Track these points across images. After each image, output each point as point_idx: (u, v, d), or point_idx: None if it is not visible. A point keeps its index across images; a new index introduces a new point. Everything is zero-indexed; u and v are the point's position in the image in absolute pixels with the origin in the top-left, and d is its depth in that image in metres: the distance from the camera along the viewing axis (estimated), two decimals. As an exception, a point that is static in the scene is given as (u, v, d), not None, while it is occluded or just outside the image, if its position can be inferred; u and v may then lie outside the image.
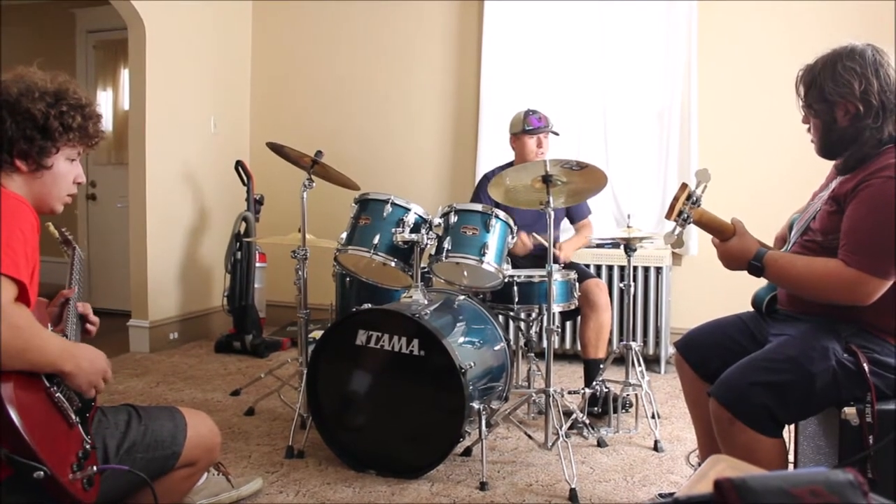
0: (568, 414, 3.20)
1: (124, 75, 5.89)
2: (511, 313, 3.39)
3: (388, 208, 3.05)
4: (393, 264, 3.04)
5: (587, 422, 3.23)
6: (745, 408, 1.89)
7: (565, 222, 4.15)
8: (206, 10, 5.13)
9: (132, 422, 1.84)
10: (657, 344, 4.48)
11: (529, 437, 3.09)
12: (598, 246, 4.50)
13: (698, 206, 2.07)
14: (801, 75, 2.05)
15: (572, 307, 3.39)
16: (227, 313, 4.85)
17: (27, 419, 1.48)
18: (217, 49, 5.28)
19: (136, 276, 4.75)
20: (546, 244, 2.94)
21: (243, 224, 4.83)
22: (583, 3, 4.75)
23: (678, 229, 2.09)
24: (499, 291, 3.25)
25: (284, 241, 3.67)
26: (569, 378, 4.26)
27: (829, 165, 2.18)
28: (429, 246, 3.03)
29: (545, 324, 2.98)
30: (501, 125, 4.17)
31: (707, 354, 2.28)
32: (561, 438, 2.80)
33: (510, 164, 3.94)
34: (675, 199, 2.06)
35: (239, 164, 4.99)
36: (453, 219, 3.02)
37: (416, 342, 2.73)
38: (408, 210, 3.07)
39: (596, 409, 3.44)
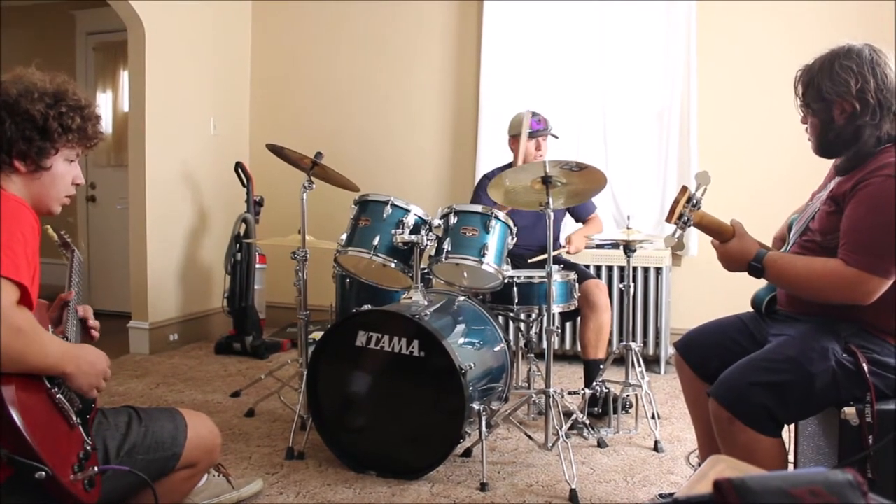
0: (568, 414, 3.20)
1: (124, 77, 5.89)
2: (511, 314, 3.39)
3: (388, 209, 3.05)
4: (393, 265, 3.04)
5: (587, 422, 3.23)
6: (745, 408, 1.90)
7: (568, 221, 4.15)
8: (206, 12, 5.13)
9: (133, 423, 1.84)
10: (657, 344, 4.48)
11: (529, 437, 3.09)
12: (598, 247, 4.50)
13: (698, 208, 2.08)
14: (799, 75, 2.06)
15: (572, 308, 3.39)
16: (227, 315, 4.86)
17: (29, 420, 1.48)
18: (216, 50, 5.28)
19: (135, 277, 4.75)
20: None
21: (243, 225, 4.83)
22: (582, 3, 4.76)
23: (679, 232, 2.09)
24: (499, 292, 3.25)
25: (284, 242, 3.67)
26: (569, 379, 4.26)
27: (827, 165, 2.18)
28: (429, 247, 3.03)
29: (545, 324, 2.98)
30: (501, 126, 4.17)
31: (707, 355, 2.28)
32: (561, 439, 2.81)
33: (509, 165, 3.94)
34: (676, 202, 2.07)
35: (239, 166, 5.00)
36: (453, 220, 3.02)
37: (416, 343, 2.73)
38: (408, 211, 3.07)
39: (596, 409, 3.44)
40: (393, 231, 3.02)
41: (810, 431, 2.18)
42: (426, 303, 2.95)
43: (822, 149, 2.06)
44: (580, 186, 3.00)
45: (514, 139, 3.83)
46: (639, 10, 4.66)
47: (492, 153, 4.78)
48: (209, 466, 2.16)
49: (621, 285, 3.59)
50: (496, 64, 4.93)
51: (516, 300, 3.25)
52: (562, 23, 4.80)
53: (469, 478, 2.80)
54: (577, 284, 3.40)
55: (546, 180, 2.84)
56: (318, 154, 3.30)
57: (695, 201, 2.07)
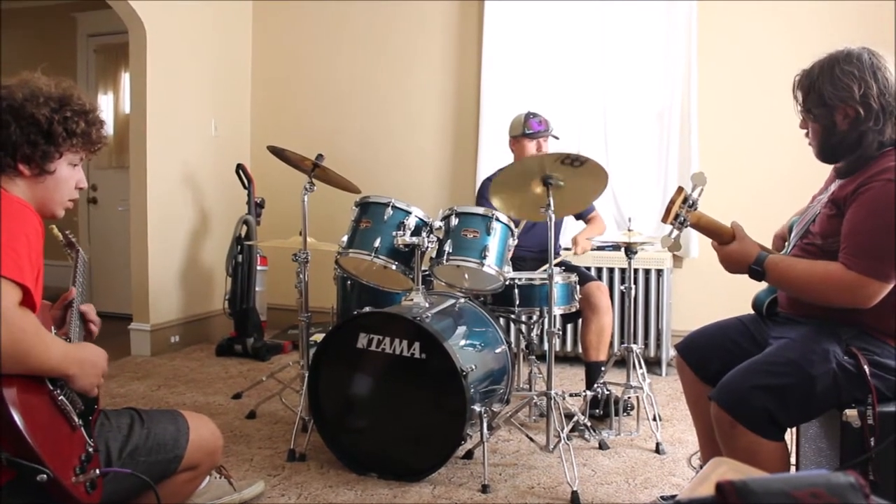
0: (569, 416, 3.20)
1: (125, 79, 5.90)
2: (512, 316, 3.39)
3: (389, 211, 3.05)
4: (394, 267, 3.04)
5: (588, 424, 3.23)
6: (746, 411, 1.89)
7: (569, 221, 4.15)
8: (207, 13, 5.14)
9: (135, 425, 1.84)
10: (658, 346, 4.48)
11: (531, 439, 3.09)
12: (599, 248, 4.50)
13: (695, 209, 2.07)
14: (798, 80, 2.05)
15: (573, 310, 3.39)
16: (228, 316, 4.86)
17: (30, 422, 1.48)
18: (217, 52, 5.29)
19: (137, 279, 4.75)
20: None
21: (244, 227, 4.83)
22: (583, 3, 4.76)
23: (675, 233, 2.10)
24: (500, 294, 3.25)
25: (285, 244, 3.67)
26: (570, 380, 4.26)
27: (829, 167, 2.18)
28: (430, 249, 3.03)
29: (546, 326, 2.98)
30: (502, 126, 4.17)
31: (708, 357, 2.28)
32: (562, 441, 2.80)
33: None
34: (671, 202, 2.07)
35: (240, 168, 5.00)
36: (454, 221, 3.03)
37: (417, 345, 2.73)
38: (409, 213, 3.08)
39: (597, 411, 3.44)
40: (394, 233, 3.02)
41: (812, 433, 2.18)
42: (427, 305, 2.95)
43: (825, 154, 2.06)
44: (580, 187, 2.99)
45: (515, 140, 3.83)
46: (639, 11, 4.66)
47: (493, 154, 4.78)
48: (211, 468, 2.16)
49: (622, 287, 3.60)
50: (497, 64, 4.93)
51: (517, 302, 3.24)
52: (563, 23, 4.80)
53: (470, 479, 2.80)
54: (578, 286, 3.40)
55: (546, 181, 2.84)
56: (319, 156, 3.30)
57: (691, 202, 2.07)
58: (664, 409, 3.71)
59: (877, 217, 1.85)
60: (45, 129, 1.70)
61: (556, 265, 2.98)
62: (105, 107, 6.09)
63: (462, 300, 3.19)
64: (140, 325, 4.75)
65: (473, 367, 2.73)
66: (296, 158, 3.32)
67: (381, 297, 3.49)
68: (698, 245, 4.53)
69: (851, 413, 1.88)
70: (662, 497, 2.62)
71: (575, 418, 3.18)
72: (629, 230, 3.41)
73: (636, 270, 4.40)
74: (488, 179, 3.95)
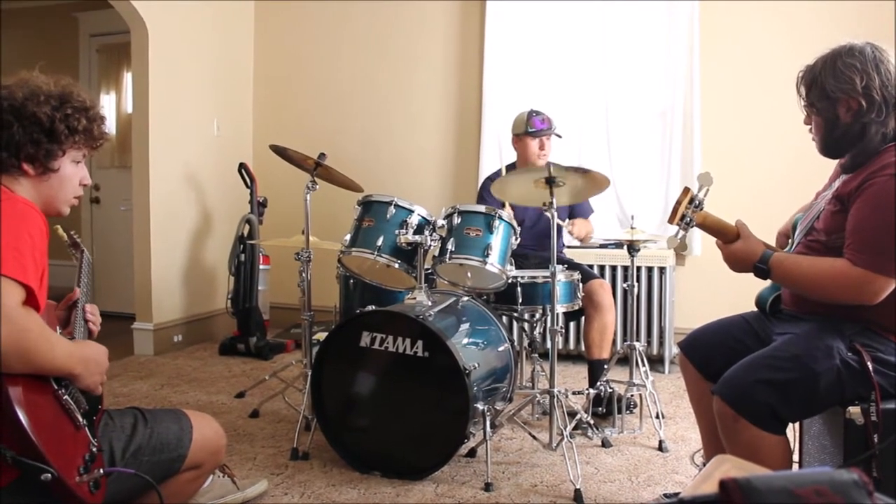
0: (572, 414, 3.20)
1: (127, 79, 5.90)
2: (515, 314, 3.39)
3: (392, 210, 3.05)
4: (396, 266, 3.05)
5: (591, 422, 3.23)
6: (749, 405, 1.89)
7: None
8: (209, 13, 5.14)
9: (138, 425, 1.84)
10: (661, 344, 4.48)
11: (534, 437, 3.09)
12: (602, 246, 4.50)
13: (701, 209, 2.07)
14: (801, 75, 2.05)
15: (576, 308, 3.39)
16: (230, 315, 4.86)
17: (35, 421, 1.49)
18: (219, 51, 5.29)
19: (139, 278, 4.76)
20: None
21: (247, 226, 4.84)
22: (585, 3, 4.76)
23: (681, 233, 2.09)
24: (502, 292, 3.25)
25: (288, 243, 3.67)
26: (573, 378, 4.26)
27: (831, 165, 2.18)
28: (432, 247, 3.03)
29: (549, 324, 2.98)
30: (504, 125, 4.17)
31: (711, 354, 2.28)
32: (565, 439, 2.80)
33: (513, 165, 3.94)
34: (678, 203, 2.07)
35: (242, 167, 5.00)
36: (457, 220, 3.03)
37: (420, 343, 2.73)
38: (411, 212, 3.08)
39: (600, 409, 3.44)
40: (397, 231, 3.02)
41: (815, 430, 2.18)
42: (430, 303, 2.96)
43: (828, 148, 2.05)
44: (582, 186, 3.00)
45: (518, 138, 3.83)
46: (641, 10, 4.66)
47: (495, 153, 4.79)
48: (214, 467, 2.16)
49: (625, 285, 3.59)
50: (499, 64, 4.93)
51: (520, 300, 3.24)
52: (565, 23, 4.80)
53: (473, 478, 2.80)
54: (580, 284, 3.40)
55: (550, 181, 2.84)
56: (322, 155, 3.30)
57: (697, 202, 2.07)
58: (667, 406, 3.71)
59: (881, 213, 1.84)
60: (47, 128, 1.71)
61: (557, 262, 2.96)
62: (107, 107, 6.10)
63: (465, 298, 3.18)
64: (143, 325, 4.76)
65: (476, 365, 2.73)
66: (298, 157, 3.32)
67: (383, 295, 3.49)
68: (701, 243, 4.52)
69: (855, 410, 1.88)
70: (665, 495, 2.62)
71: (578, 416, 3.18)
72: (632, 228, 3.40)
73: (639, 268, 4.38)
74: (489, 179, 3.95)
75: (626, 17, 4.69)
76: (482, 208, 3.07)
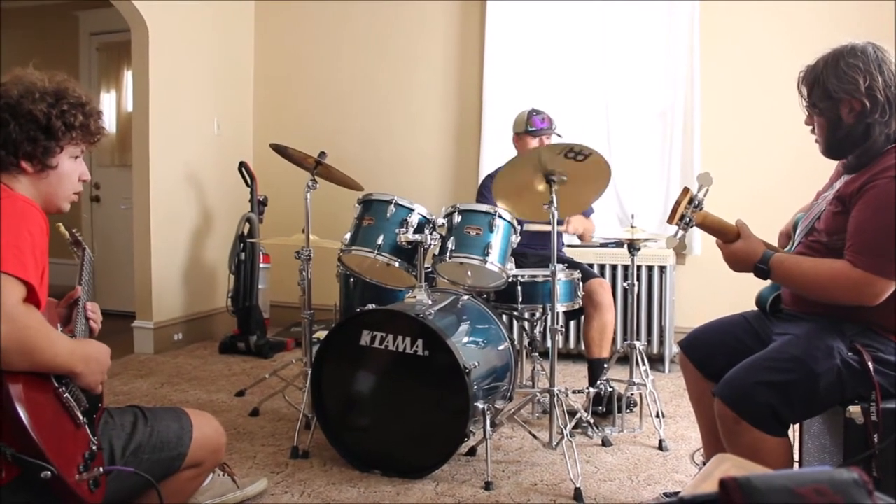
0: (572, 413, 3.20)
1: (127, 77, 5.90)
2: (515, 313, 3.39)
3: (392, 209, 3.05)
4: (397, 265, 3.04)
5: (591, 421, 3.23)
6: (750, 407, 1.89)
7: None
8: (209, 12, 5.14)
9: (138, 423, 1.84)
10: (661, 343, 4.48)
11: (534, 436, 3.09)
12: (602, 245, 4.50)
13: (700, 209, 2.07)
14: (802, 76, 2.05)
15: (576, 307, 3.39)
16: (231, 314, 4.86)
17: (36, 419, 1.49)
18: (220, 50, 5.29)
19: (140, 277, 4.76)
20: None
21: (247, 225, 4.84)
22: (585, 3, 4.75)
23: (681, 233, 2.09)
24: (503, 291, 3.25)
25: (288, 241, 3.68)
26: (573, 377, 4.26)
27: (831, 165, 2.18)
28: (432, 246, 3.03)
29: (549, 323, 2.98)
30: (504, 125, 4.17)
31: (711, 354, 2.28)
32: (565, 438, 2.80)
33: (512, 164, 3.94)
34: (677, 203, 2.07)
35: (242, 165, 5.00)
36: (457, 219, 3.02)
37: (420, 342, 2.73)
38: (411, 210, 3.08)
39: (600, 408, 3.44)
40: (397, 230, 3.02)
41: (815, 430, 2.18)
42: (430, 302, 2.96)
43: (831, 149, 2.05)
44: (584, 183, 2.99)
45: (518, 137, 3.83)
46: (642, 10, 4.66)
47: (495, 153, 4.78)
48: (214, 466, 2.16)
49: (625, 284, 3.59)
50: (499, 64, 4.93)
51: (520, 299, 3.24)
52: (565, 23, 4.80)
53: (473, 477, 2.80)
54: (580, 283, 3.40)
55: (549, 178, 2.84)
56: (322, 153, 3.31)
57: (697, 202, 2.07)
58: (667, 405, 3.71)
59: (883, 215, 1.84)
60: (43, 125, 1.70)
61: (558, 262, 2.96)
62: (107, 105, 6.11)
63: (465, 297, 3.19)
64: (143, 323, 4.76)
65: (476, 364, 2.73)
66: (298, 156, 3.32)
67: (383, 294, 3.49)
68: (701, 242, 4.52)
69: (855, 410, 1.88)
70: (665, 494, 2.62)
71: (578, 415, 3.19)
72: (632, 227, 3.40)
73: (639, 267, 4.39)
74: (489, 177, 3.95)
75: (626, 18, 4.69)
76: (482, 207, 3.06)
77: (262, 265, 4.97)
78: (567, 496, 2.65)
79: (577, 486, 2.63)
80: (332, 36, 5.45)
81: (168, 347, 4.83)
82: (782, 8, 4.45)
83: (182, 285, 4.99)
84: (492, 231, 2.98)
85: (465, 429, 2.69)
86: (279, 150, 3.36)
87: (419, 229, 3.05)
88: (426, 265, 3.08)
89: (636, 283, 3.50)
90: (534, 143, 3.76)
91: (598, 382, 3.42)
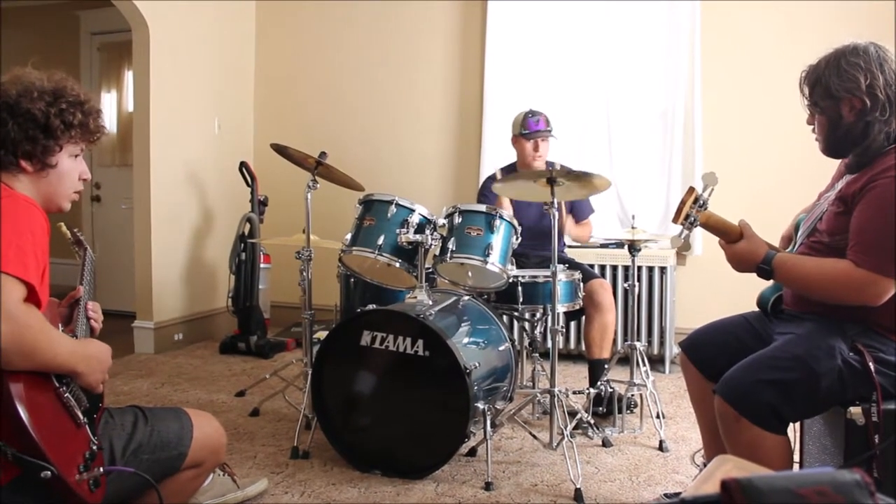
0: (573, 414, 3.20)
1: (128, 77, 5.91)
2: (515, 313, 3.39)
3: (393, 209, 3.05)
4: (397, 265, 3.04)
5: (592, 422, 3.23)
6: (751, 405, 1.89)
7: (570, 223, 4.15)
8: (210, 12, 5.14)
9: (138, 423, 1.84)
10: (662, 344, 4.48)
11: (534, 437, 3.09)
12: (603, 246, 4.50)
13: (705, 209, 2.07)
14: (804, 75, 2.05)
15: (577, 307, 3.39)
16: (231, 314, 4.86)
17: (36, 418, 1.49)
18: (220, 50, 5.29)
19: (140, 277, 4.76)
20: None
21: (247, 225, 4.84)
22: (586, 3, 4.75)
23: (685, 233, 2.09)
24: (503, 292, 3.25)
25: (289, 242, 3.68)
26: (573, 378, 4.26)
27: (833, 165, 2.18)
28: (433, 246, 3.03)
29: (549, 324, 2.98)
30: (505, 125, 4.17)
31: (712, 354, 2.28)
32: (566, 438, 2.80)
33: (513, 165, 3.94)
34: (682, 202, 2.06)
35: (243, 165, 5.00)
36: (457, 219, 3.03)
37: (420, 343, 2.73)
38: (412, 211, 3.08)
39: (601, 409, 3.44)
40: (397, 231, 3.02)
41: (816, 431, 2.18)
42: (431, 302, 2.95)
43: (831, 147, 2.05)
44: (584, 185, 3.00)
45: (515, 139, 3.83)
46: (642, 11, 4.65)
47: (496, 153, 4.78)
48: (215, 466, 2.16)
49: (626, 285, 3.59)
50: (500, 64, 4.92)
51: (521, 300, 3.24)
52: (566, 23, 4.79)
53: (474, 477, 2.80)
54: (581, 284, 3.40)
55: (551, 182, 2.84)
56: (323, 154, 3.30)
57: (701, 202, 2.07)
58: (667, 406, 3.70)
59: (885, 214, 1.84)
60: (42, 124, 1.70)
61: (559, 262, 2.97)
62: (108, 105, 6.11)
63: (465, 298, 3.19)
64: (144, 323, 4.76)
65: (477, 364, 2.73)
66: (299, 156, 3.32)
67: (384, 294, 3.49)
68: (702, 242, 4.52)
69: (856, 410, 1.88)
70: (666, 494, 2.62)
71: (578, 416, 3.18)
72: (633, 228, 3.40)
73: (639, 268, 4.39)
74: (490, 178, 3.95)
75: (627, 18, 4.69)
76: (483, 208, 3.07)
77: (262, 265, 4.97)
78: (567, 497, 2.64)
79: (578, 486, 2.63)
80: (332, 36, 5.45)
81: (168, 347, 4.83)
82: (783, 8, 4.45)
83: (182, 285, 4.99)
84: (492, 232, 2.98)
85: (465, 429, 2.69)
86: (280, 150, 3.35)
87: (420, 230, 3.05)
88: (427, 266, 3.08)
89: (637, 283, 3.50)
90: (528, 145, 3.76)
91: (599, 383, 3.42)
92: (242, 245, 4.79)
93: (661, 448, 3.12)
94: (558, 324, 2.95)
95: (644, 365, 3.42)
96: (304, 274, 3.38)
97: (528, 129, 3.74)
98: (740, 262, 2.06)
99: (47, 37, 6.46)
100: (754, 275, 2.06)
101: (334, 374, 2.90)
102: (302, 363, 3.59)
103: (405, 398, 2.81)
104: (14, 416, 1.46)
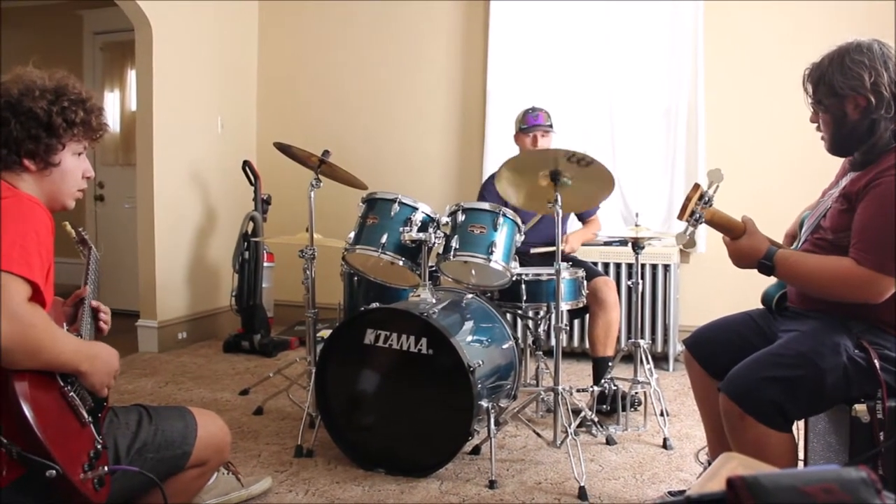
0: (576, 412, 3.20)
1: (131, 76, 5.91)
2: (519, 311, 3.39)
3: (396, 207, 3.05)
4: (401, 263, 3.04)
5: (596, 420, 3.23)
6: (755, 403, 1.89)
7: (573, 220, 4.15)
8: (213, 11, 5.14)
9: (143, 422, 1.84)
10: (666, 341, 4.47)
11: (538, 435, 3.08)
12: (606, 244, 4.49)
13: (710, 205, 2.07)
14: (807, 73, 2.04)
15: (580, 305, 3.39)
16: (235, 313, 4.87)
17: (41, 417, 1.49)
18: (223, 49, 5.29)
19: (144, 276, 4.77)
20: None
21: (251, 224, 4.84)
22: (589, 2, 4.75)
23: (690, 229, 2.08)
24: (507, 290, 3.25)
25: (292, 240, 3.68)
26: (577, 376, 4.26)
27: (836, 163, 2.17)
28: (436, 245, 3.03)
29: (553, 322, 2.97)
30: (508, 124, 4.17)
31: (716, 352, 2.28)
32: (570, 436, 2.80)
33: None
34: (688, 199, 2.06)
35: (246, 164, 5.00)
36: (461, 217, 3.02)
37: (424, 341, 2.73)
38: (415, 209, 3.07)
39: (605, 406, 3.43)
40: (401, 229, 3.02)
41: (821, 428, 2.17)
42: (434, 300, 2.95)
43: (837, 145, 2.04)
44: (587, 189, 3.00)
45: (516, 136, 3.85)
46: (645, 10, 4.65)
47: (499, 152, 4.77)
48: (219, 465, 2.16)
49: (629, 282, 3.59)
50: (503, 63, 4.92)
51: (524, 298, 3.24)
52: (568, 22, 4.79)
53: (478, 475, 2.80)
54: (585, 282, 3.39)
55: (554, 176, 2.84)
56: (326, 152, 3.30)
57: (707, 199, 2.06)
58: (671, 404, 3.70)
59: (887, 212, 1.84)
60: (44, 122, 1.70)
61: (562, 260, 2.96)
62: (111, 104, 6.12)
63: (469, 296, 3.18)
64: (147, 322, 4.77)
65: (480, 362, 2.72)
66: (302, 155, 3.32)
67: (387, 293, 3.49)
68: (706, 240, 4.52)
69: (861, 408, 1.88)
70: (670, 492, 2.62)
71: (582, 414, 3.18)
72: (636, 225, 3.39)
73: (643, 265, 4.39)
74: (492, 177, 3.95)
75: (630, 17, 4.69)
76: (486, 206, 3.06)
77: (265, 264, 4.98)
78: (571, 495, 2.64)
79: (582, 484, 2.62)
80: (335, 35, 5.45)
81: (172, 346, 4.84)
82: (786, 7, 4.44)
83: (186, 284, 5.00)
84: (496, 230, 2.98)
85: (469, 427, 2.69)
86: (283, 148, 3.36)
87: (423, 228, 3.04)
88: (430, 264, 3.08)
89: (640, 281, 3.50)
90: (527, 140, 3.77)
91: (603, 381, 3.42)
92: (246, 244, 4.80)
93: (665, 446, 3.12)
94: (562, 322, 2.95)
95: (648, 363, 3.41)
96: (308, 272, 3.37)
97: (528, 123, 3.75)
98: (742, 258, 2.06)
99: (50, 36, 6.47)
100: (759, 272, 2.05)
101: (338, 373, 2.90)
102: (305, 362, 3.59)
103: (409, 396, 2.81)
104: (19, 415, 1.46)
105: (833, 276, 1.91)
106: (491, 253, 2.94)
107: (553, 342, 2.98)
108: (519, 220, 3.09)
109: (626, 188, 4.71)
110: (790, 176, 4.30)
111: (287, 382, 3.69)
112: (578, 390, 3.47)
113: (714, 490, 0.77)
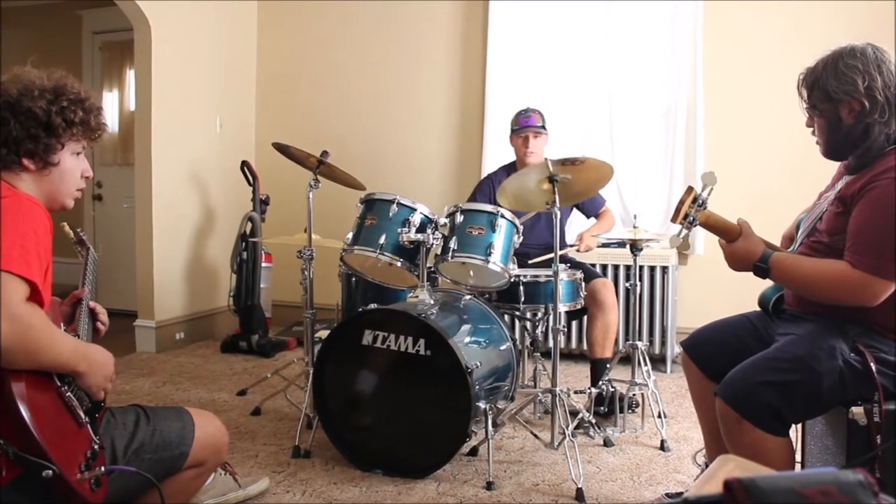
0: (574, 413, 3.20)
1: (130, 76, 5.91)
2: (517, 313, 3.39)
3: (394, 208, 3.05)
4: (399, 264, 3.04)
5: (593, 421, 3.23)
6: (752, 407, 1.89)
7: (574, 219, 4.14)
8: (212, 11, 5.14)
9: (140, 422, 1.84)
10: (663, 343, 4.47)
11: (536, 436, 3.09)
12: (605, 245, 4.49)
13: (704, 208, 2.07)
14: (802, 78, 2.05)
15: (578, 307, 3.39)
16: (233, 313, 4.86)
17: (38, 417, 1.49)
18: (222, 49, 5.29)
19: (142, 276, 4.76)
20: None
21: (249, 224, 4.84)
22: (588, 2, 4.75)
23: (684, 232, 2.09)
24: (505, 291, 3.25)
25: (290, 241, 3.68)
26: (575, 378, 4.26)
27: (834, 165, 2.17)
28: (434, 246, 3.03)
29: (551, 323, 2.97)
30: (507, 125, 4.17)
31: (714, 354, 2.28)
32: (567, 438, 2.80)
33: (512, 164, 3.94)
34: (681, 202, 2.06)
35: (245, 165, 5.00)
36: (459, 218, 3.02)
37: (422, 342, 2.73)
38: (414, 210, 3.07)
39: (602, 408, 3.43)
40: (399, 230, 3.02)
41: (818, 431, 2.18)
42: (432, 301, 2.95)
43: (832, 150, 2.05)
44: (585, 180, 3.00)
45: (511, 136, 3.85)
46: (645, 10, 4.65)
47: (497, 153, 4.78)
48: (216, 465, 2.16)
49: (627, 284, 3.59)
50: (502, 64, 4.92)
51: (522, 299, 3.24)
52: (568, 22, 4.79)
53: (475, 476, 2.80)
54: (583, 283, 3.39)
55: (552, 179, 2.84)
56: (324, 153, 3.30)
57: (700, 201, 2.06)
58: (669, 406, 3.70)
59: (883, 215, 1.84)
60: (44, 122, 1.70)
61: (560, 262, 2.96)
62: (110, 104, 6.11)
63: (467, 297, 3.18)
64: (145, 322, 4.76)
65: (478, 363, 2.72)
66: (301, 155, 3.32)
67: (385, 293, 3.49)
68: (703, 242, 4.52)
69: (858, 411, 1.88)
70: (667, 494, 2.62)
71: (580, 415, 3.18)
72: (635, 227, 3.40)
73: (641, 267, 4.39)
74: (488, 177, 3.95)
75: (629, 17, 4.68)
76: (485, 207, 3.06)
77: (264, 264, 4.97)
78: (569, 496, 2.64)
79: (579, 486, 2.63)
80: (334, 35, 5.45)
81: (170, 346, 4.83)
82: (785, 8, 4.45)
83: (184, 284, 4.99)
84: (494, 231, 2.98)
85: (466, 429, 2.69)
86: (281, 149, 3.36)
87: (421, 229, 3.04)
88: (428, 265, 3.08)
89: (638, 283, 3.50)
90: (519, 142, 3.78)
91: (601, 383, 3.42)
92: (244, 244, 4.80)
93: (662, 448, 3.12)
94: (560, 323, 2.95)
95: (645, 364, 3.42)
96: (306, 273, 3.37)
97: (520, 125, 3.76)
98: (737, 261, 2.06)
99: (49, 36, 6.47)
100: (755, 275, 2.05)
101: (336, 374, 2.90)
102: (303, 362, 3.58)
103: (407, 397, 2.80)
104: (16, 415, 1.46)
105: (828, 280, 1.91)
106: (489, 254, 2.94)
107: (551, 343, 2.98)
108: (517, 221, 3.09)
109: (624, 190, 4.71)
110: (789, 177, 4.31)
111: (285, 383, 3.69)
112: (576, 392, 3.48)
113: (711, 492, 0.77)
